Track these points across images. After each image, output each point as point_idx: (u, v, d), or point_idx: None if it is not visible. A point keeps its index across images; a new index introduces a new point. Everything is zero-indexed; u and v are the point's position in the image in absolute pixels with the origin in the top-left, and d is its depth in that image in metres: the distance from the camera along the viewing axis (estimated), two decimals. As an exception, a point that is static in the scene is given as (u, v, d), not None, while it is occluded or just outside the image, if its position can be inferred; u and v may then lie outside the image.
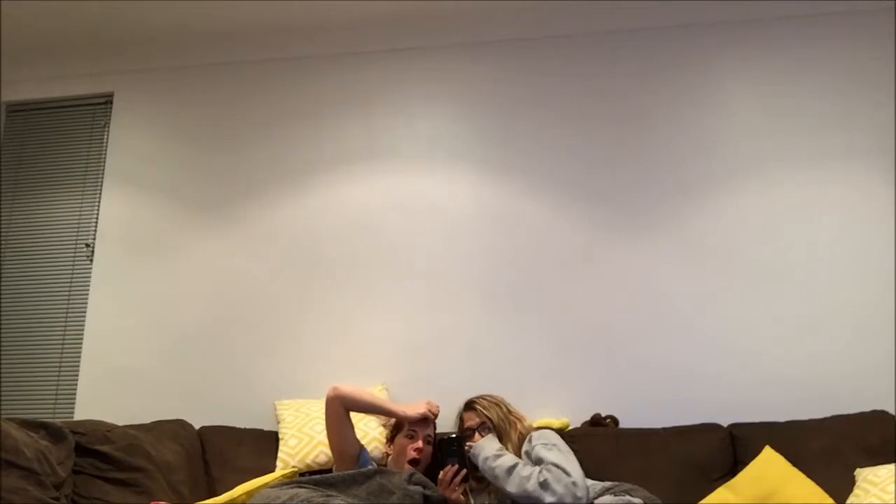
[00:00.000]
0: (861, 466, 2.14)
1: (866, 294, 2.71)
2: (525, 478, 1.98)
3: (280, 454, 2.55)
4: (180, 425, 2.61)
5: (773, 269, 2.80)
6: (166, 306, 3.11)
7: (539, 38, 3.22)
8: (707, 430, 2.46)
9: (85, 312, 3.15)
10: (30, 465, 1.83)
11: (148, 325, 3.09)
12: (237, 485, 2.24)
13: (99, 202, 3.31)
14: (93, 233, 3.28)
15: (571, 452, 2.12)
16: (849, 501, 2.06)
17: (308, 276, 3.06)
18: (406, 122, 3.20)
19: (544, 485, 1.95)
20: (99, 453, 2.16)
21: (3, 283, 3.28)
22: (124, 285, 3.16)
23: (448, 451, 2.09)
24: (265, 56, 3.38)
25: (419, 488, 1.97)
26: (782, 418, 2.46)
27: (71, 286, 3.24)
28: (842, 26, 3.01)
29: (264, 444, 2.65)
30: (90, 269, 3.22)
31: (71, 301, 3.22)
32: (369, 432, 2.54)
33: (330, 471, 2.33)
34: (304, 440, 2.55)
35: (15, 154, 3.47)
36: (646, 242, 2.91)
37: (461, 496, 2.07)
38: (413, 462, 2.22)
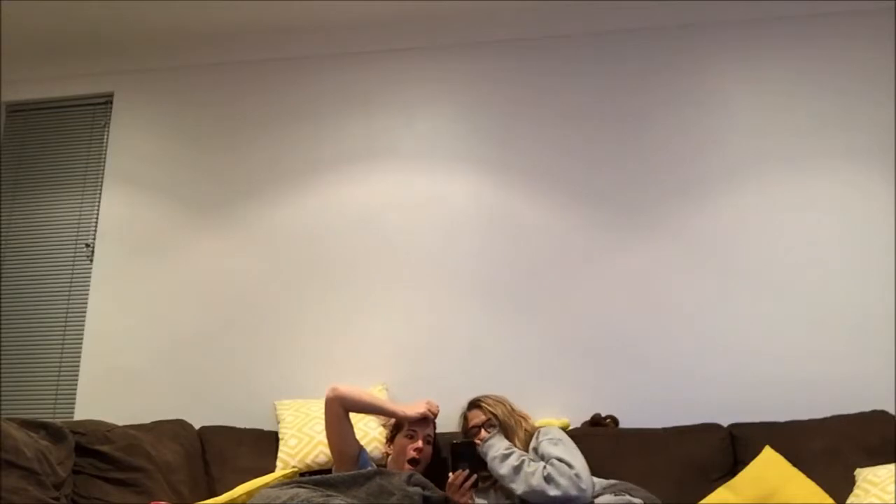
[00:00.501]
0: (861, 466, 2.14)
1: (866, 294, 2.71)
2: (530, 474, 2.02)
3: (280, 454, 2.55)
4: (180, 425, 2.61)
5: (772, 269, 2.80)
6: (166, 306, 3.11)
7: (539, 38, 3.22)
8: (707, 430, 2.46)
9: (85, 312, 3.15)
10: (30, 465, 1.83)
11: (148, 325, 3.09)
12: (237, 485, 2.24)
13: (99, 202, 3.31)
14: (93, 233, 3.28)
15: (577, 448, 2.14)
16: (849, 501, 2.06)
17: (308, 276, 3.06)
18: (406, 122, 3.20)
19: (548, 479, 1.99)
20: (99, 453, 2.16)
21: (3, 283, 3.28)
22: (124, 285, 3.16)
23: (460, 454, 2.10)
24: (265, 56, 3.38)
25: (418, 489, 1.97)
26: (782, 418, 2.46)
27: (71, 286, 3.24)
28: (842, 26, 3.01)
29: (264, 444, 2.65)
30: (90, 269, 3.22)
31: (71, 301, 3.22)
32: (369, 432, 2.54)
33: (330, 471, 2.33)
34: (303, 440, 2.55)
35: (15, 154, 3.47)
36: (646, 242, 2.91)
37: (469, 501, 2.08)
38: (413, 462, 2.22)
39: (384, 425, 2.57)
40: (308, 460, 2.51)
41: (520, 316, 2.90)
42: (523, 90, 3.16)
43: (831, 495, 2.07)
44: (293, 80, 3.34)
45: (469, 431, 2.31)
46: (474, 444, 2.16)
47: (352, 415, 2.27)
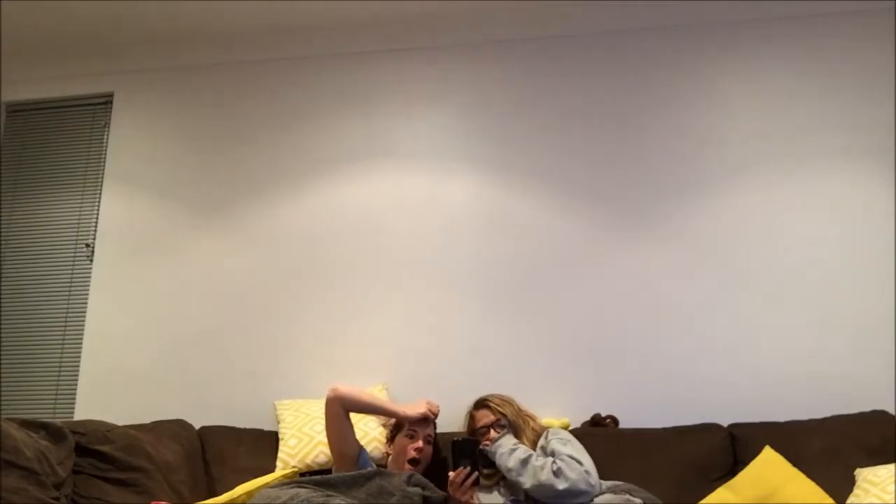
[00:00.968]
0: (861, 466, 2.14)
1: (866, 294, 2.71)
2: (539, 467, 2.04)
3: (280, 454, 2.55)
4: (180, 425, 2.61)
5: (773, 269, 2.80)
6: (166, 306, 3.11)
7: (539, 38, 3.22)
8: (707, 430, 2.46)
9: (85, 312, 3.15)
10: (30, 465, 1.83)
11: (148, 325, 3.09)
12: (237, 485, 2.24)
13: (99, 202, 3.31)
14: (93, 233, 3.28)
15: (585, 449, 2.15)
16: (849, 501, 2.06)
17: (308, 276, 3.06)
18: (406, 122, 3.20)
19: (557, 472, 2.01)
20: (99, 453, 2.16)
21: (3, 283, 3.28)
22: (124, 285, 3.16)
23: (462, 452, 2.09)
24: (265, 56, 3.38)
25: (418, 489, 1.97)
26: (782, 418, 2.46)
27: (71, 286, 3.24)
28: (842, 26, 3.01)
29: (264, 444, 2.65)
30: (90, 269, 3.22)
31: (71, 301, 3.22)
32: (369, 432, 2.54)
33: (330, 471, 2.33)
34: (304, 440, 2.55)
35: (15, 154, 3.47)
36: (646, 242, 2.91)
37: (470, 499, 2.08)
38: (413, 462, 2.23)
39: (384, 425, 2.57)
40: (308, 460, 2.51)
41: (520, 316, 2.90)
42: (523, 90, 3.16)
43: (831, 495, 2.07)
44: (293, 81, 3.34)
45: (477, 431, 2.31)
46: (475, 442, 2.15)
47: (352, 415, 2.27)
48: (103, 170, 3.34)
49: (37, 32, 3.33)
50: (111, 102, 3.45)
